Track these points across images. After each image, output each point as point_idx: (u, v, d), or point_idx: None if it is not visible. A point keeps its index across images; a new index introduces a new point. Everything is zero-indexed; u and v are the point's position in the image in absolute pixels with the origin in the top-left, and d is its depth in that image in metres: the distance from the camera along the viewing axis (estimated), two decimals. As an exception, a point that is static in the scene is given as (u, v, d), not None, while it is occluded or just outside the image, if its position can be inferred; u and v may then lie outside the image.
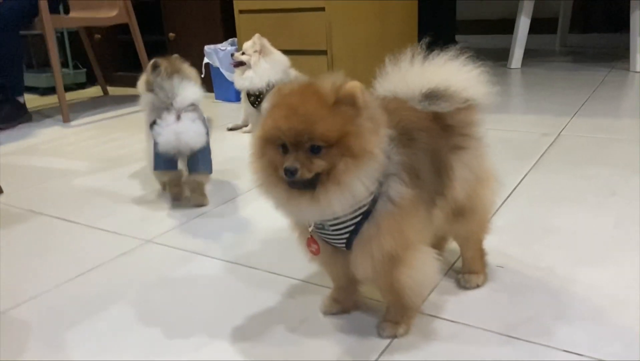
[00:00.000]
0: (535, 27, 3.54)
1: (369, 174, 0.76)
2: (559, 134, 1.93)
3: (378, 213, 0.80)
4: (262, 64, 2.16)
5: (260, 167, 0.80)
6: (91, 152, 2.16)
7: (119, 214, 1.52)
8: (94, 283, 1.15)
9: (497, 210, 1.34)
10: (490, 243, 1.14)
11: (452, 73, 0.91)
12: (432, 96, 0.88)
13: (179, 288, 1.11)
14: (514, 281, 1.04)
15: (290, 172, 0.74)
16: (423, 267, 0.85)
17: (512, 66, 3.36)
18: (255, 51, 2.16)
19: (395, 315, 0.91)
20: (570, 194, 1.44)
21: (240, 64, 2.20)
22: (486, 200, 0.98)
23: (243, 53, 2.19)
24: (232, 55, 2.23)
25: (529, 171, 1.60)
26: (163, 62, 1.54)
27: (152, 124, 1.46)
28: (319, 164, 0.75)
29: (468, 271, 1.04)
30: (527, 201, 1.41)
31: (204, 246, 1.28)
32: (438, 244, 1.12)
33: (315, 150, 0.75)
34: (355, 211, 0.80)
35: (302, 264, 1.08)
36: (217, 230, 1.37)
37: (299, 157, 0.75)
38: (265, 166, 0.79)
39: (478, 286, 1.02)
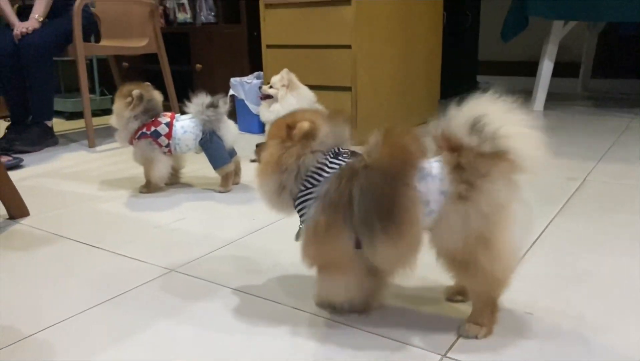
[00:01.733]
0: (557, 70, 3.56)
1: (268, 181, 1.01)
2: (584, 179, 1.91)
3: (304, 225, 1.01)
4: (289, 98, 2.19)
5: None
6: (116, 177, 2.18)
7: (142, 240, 1.53)
8: (118, 311, 1.15)
9: (523, 255, 1.33)
10: (517, 288, 1.12)
11: (506, 115, 0.92)
12: (476, 125, 0.90)
13: (202, 320, 1.10)
14: (544, 328, 1.02)
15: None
16: (329, 282, 1.03)
17: (535, 108, 3.37)
18: (283, 85, 2.20)
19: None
20: (598, 240, 1.42)
21: (267, 97, 2.23)
22: (494, 262, 0.93)
23: (271, 87, 2.23)
24: (260, 88, 2.26)
25: (555, 216, 1.58)
26: (143, 91, 1.92)
27: (205, 135, 1.91)
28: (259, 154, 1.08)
29: (473, 320, 1.00)
30: (554, 246, 1.39)
31: (227, 277, 1.27)
32: (462, 292, 1.11)
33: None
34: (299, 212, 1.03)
35: (328, 301, 1.08)
36: (240, 261, 1.37)
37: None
38: None
39: (476, 337, 0.98)
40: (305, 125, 0.98)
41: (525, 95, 3.57)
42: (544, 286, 1.18)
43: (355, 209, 0.93)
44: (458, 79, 4.29)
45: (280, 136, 1.01)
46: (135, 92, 1.89)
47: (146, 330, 1.06)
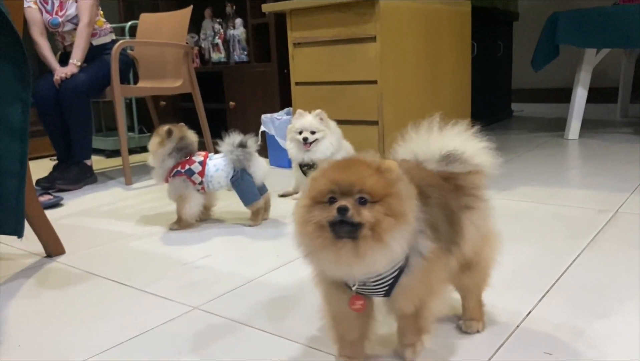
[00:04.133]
0: (595, 96, 3.50)
1: (405, 235, 0.85)
2: (616, 212, 1.86)
3: (412, 267, 0.90)
4: (328, 138, 2.23)
5: (309, 230, 0.86)
6: (150, 214, 2.25)
7: (170, 278, 1.57)
8: (139, 350, 1.18)
9: (547, 292, 1.30)
10: (538, 327, 1.11)
11: (466, 141, 1.05)
12: (449, 157, 1.02)
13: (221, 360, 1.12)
14: (562, 371, 1.00)
15: (343, 210, 0.82)
16: (440, 303, 0.99)
17: (569, 137, 3.31)
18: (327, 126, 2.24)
19: (410, 337, 1.00)
20: (627, 278, 1.37)
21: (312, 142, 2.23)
22: (489, 257, 1.09)
23: (313, 132, 2.22)
24: (305, 139, 2.21)
25: (582, 251, 1.55)
26: (174, 129, 2.00)
27: (236, 173, 1.97)
28: (366, 214, 0.83)
29: (469, 318, 1.15)
30: (579, 283, 1.36)
31: (248, 315, 1.29)
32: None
33: (362, 201, 0.84)
34: (395, 266, 0.89)
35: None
36: (263, 299, 1.39)
37: (350, 202, 0.83)
38: (314, 229, 0.85)
39: (478, 331, 1.13)
40: (394, 163, 0.89)
41: (562, 122, 3.51)
42: (566, 325, 1.15)
43: (441, 227, 0.93)
44: (492, 108, 4.27)
45: (389, 179, 0.87)
46: (163, 128, 1.97)
47: (165, 369, 1.09)
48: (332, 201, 0.85)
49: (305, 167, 2.28)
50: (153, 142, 2.02)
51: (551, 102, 5.15)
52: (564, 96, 3.81)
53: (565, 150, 3.06)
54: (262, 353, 1.13)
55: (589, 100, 3.32)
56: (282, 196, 2.41)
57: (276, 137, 2.95)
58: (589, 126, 3.61)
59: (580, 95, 3.27)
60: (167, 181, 2.01)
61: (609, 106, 4.44)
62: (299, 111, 2.29)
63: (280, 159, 2.98)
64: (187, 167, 1.98)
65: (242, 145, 1.96)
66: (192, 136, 2.06)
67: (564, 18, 3.11)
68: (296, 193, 2.39)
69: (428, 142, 1.05)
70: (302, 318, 1.27)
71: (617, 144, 3.09)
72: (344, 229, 0.83)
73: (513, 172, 2.52)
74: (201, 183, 1.98)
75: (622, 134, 3.44)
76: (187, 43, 3.20)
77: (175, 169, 1.98)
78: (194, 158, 2.00)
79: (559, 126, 3.66)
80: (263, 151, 2.66)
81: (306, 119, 2.25)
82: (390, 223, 0.83)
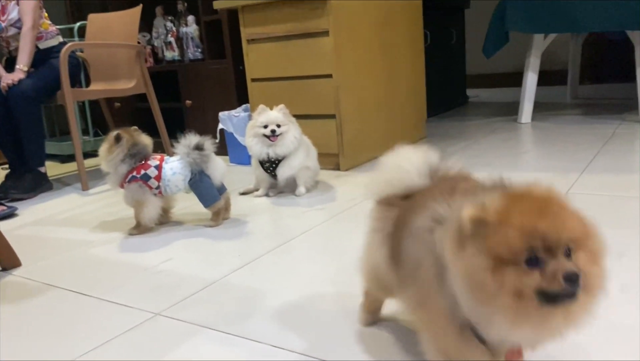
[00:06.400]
0: (547, 79, 3.58)
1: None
2: (566, 193, 1.93)
3: None
4: (292, 131, 2.23)
5: (505, 303, 0.64)
6: (108, 220, 2.22)
7: (132, 285, 1.55)
8: None
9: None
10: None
11: None
12: None
13: (184, 365, 1.12)
14: None
15: (573, 279, 0.63)
16: None
17: (522, 121, 3.39)
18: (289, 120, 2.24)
19: None
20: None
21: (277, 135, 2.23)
22: None
23: (279, 125, 2.22)
24: (273, 131, 2.20)
25: (535, 233, 1.60)
26: (124, 134, 1.94)
27: (194, 175, 1.94)
28: (583, 272, 0.64)
29: None
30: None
31: (211, 318, 1.29)
32: None
33: (567, 254, 0.65)
34: None
35: (307, 337, 1.10)
36: (226, 301, 1.39)
37: (569, 263, 0.64)
38: (512, 301, 0.64)
39: None
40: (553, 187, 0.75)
41: (515, 106, 3.60)
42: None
43: None
44: (448, 95, 4.34)
45: (577, 213, 0.71)
46: (111, 134, 1.94)
47: (129, 379, 1.08)
48: (532, 261, 0.64)
49: (267, 164, 2.27)
50: (102, 148, 1.98)
51: (505, 87, 5.27)
52: (517, 79, 3.90)
53: (519, 134, 3.14)
54: (226, 356, 1.13)
55: (540, 83, 3.41)
56: (243, 193, 2.40)
57: (235, 135, 2.94)
58: (541, 108, 3.70)
59: (530, 79, 3.35)
60: (122, 186, 1.98)
61: (559, 88, 4.56)
62: (261, 106, 2.28)
63: (239, 156, 2.97)
64: (142, 172, 1.94)
65: (199, 148, 1.94)
66: (145, 140, 2.02)
67: (512, 5, 3.18)
68: (256, 190, 2.38)
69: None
70: (265, 317, 1.28)
71: (567, 126, 3.18)
72: (557, 300, 0.64)
73: (470, 159, 2.58)
74: (158, 187, 1.96)
75: (572, 115, 3.55)
76: (139, 42, 3.15)
77: (131, 175, 1.95)
78: (149, 162, 1.97)
79: (512, 110, 3.75)
80: (222, 149, 2.65)
81: (271, 113, 2.25)
82: (599, 274, 0.67)
